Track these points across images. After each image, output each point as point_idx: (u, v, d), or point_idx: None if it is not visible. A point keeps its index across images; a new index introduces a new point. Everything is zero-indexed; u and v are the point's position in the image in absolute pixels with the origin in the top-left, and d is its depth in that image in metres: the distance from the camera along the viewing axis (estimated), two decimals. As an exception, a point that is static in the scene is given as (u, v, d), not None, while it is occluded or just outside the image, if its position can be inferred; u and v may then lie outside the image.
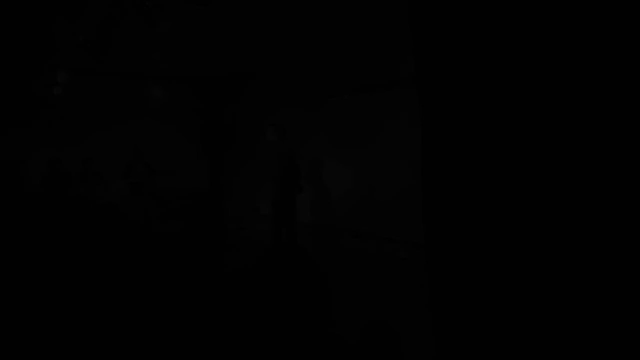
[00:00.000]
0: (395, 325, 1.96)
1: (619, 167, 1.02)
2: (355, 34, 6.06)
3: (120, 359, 1.90)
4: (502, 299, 1.26)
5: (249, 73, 8.62)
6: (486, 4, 1.21)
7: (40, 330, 2.29)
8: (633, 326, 1.02)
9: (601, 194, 1.05)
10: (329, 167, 7.37)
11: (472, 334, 1.36)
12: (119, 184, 8.59)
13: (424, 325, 3.68)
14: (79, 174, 7.92)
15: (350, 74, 6.72)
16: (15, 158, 7.27)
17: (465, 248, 1.35)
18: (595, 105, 1.05)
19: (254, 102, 8.66)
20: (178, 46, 6.19)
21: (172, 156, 9.59)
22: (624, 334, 1.04)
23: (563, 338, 1.14)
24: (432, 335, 1.39)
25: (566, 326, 1.13)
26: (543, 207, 1.15)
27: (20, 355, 2.00)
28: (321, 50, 6.92)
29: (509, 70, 1.20)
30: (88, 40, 4.22)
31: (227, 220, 6.25)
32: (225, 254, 5.16)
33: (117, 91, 8.03)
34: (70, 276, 2.46)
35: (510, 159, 1.21)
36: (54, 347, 2.13)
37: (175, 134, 9.74)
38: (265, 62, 7.71)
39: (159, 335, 1.69)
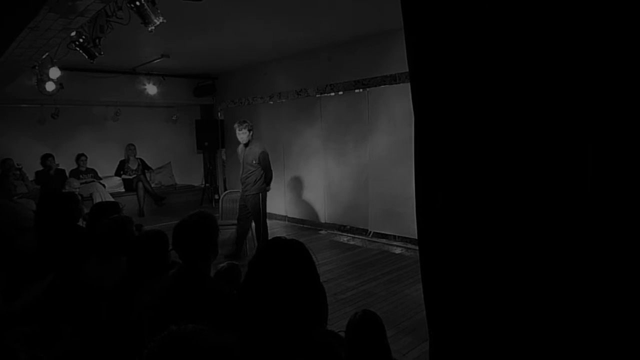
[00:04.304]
0: (385, 315, 2.00)
1: (611, 165, 1.04)
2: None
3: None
4: (494, 293, 1.28)
5: (240, 69, 8.59)
6: (476, 4, 1.22)
7: None
8: (614, 320, 1.04)
9: (590, 193, 1.06)
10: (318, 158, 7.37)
11: (465, 327, 1.37)
12: (113, 181, 8.56)
13: (411, 315, 3.73)
14: (72, 170, 7.88)
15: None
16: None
17: (457, 244, 1.36)
18: (585, 102, 1.06)
19: (245, 97, 8.63)
20: (171, 43, 6.15)
21: (166, 152, 9.56)
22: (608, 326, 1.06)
23: (550, 329, 1.16)
24: (423, 326, 1.41)
25: (554, 318, 1.15)
26: (532, 204, 1.16)
27: None
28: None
29: (502, 68, 1.21)
30: (81, 36, 4.19)
31: (222, 215, 6.24)
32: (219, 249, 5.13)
33: (110, 87, 7.98)
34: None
35: (501, 156, 1.22)
36: None
37: (169, 130, 9.71)
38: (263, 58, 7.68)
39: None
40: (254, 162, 5.40)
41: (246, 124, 5.37)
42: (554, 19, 1.09)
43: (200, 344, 0.91)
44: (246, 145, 5.44)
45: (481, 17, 1.23)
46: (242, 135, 5.36)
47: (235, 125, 5.39)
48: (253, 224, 5.67)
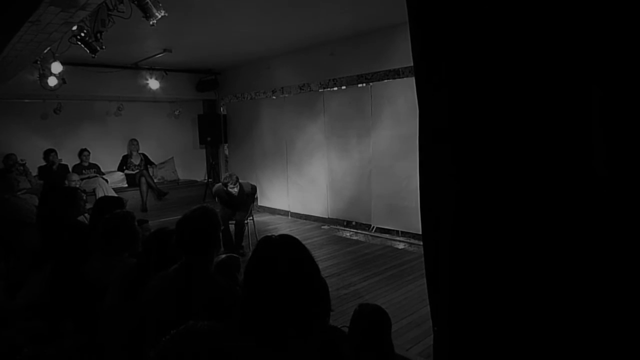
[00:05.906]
0: (388, 310, 1.99)
1: (621, 166, 1.02)
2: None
3: None
4: (499, 288, 1.27)
5: (242, 64, 8.57)
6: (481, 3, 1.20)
7: None
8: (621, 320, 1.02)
9: (598, 191, 1.05)
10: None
11: (469, 322, 1.36)
12: (116, 176, 8.57)
13: (414, 310, 3.73)
14: (75, 166, 7.89)
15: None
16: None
17: (462, 239, 1.35)
18: (589, 99, 1.05)
19: (248, 92, 8.62)
20: (173, 37, 6.13)
21: (169, 147, 9.56)
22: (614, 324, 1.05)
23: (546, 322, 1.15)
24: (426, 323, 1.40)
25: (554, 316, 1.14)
26: (536, 200, 1.15)
27: None
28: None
29: (509, 62, 1.19)
30: (82, 30, 4.17)
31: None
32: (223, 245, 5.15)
33: (112, 82, 7.97)
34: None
35: (507, 151, 1.20)
36: None
37: (172, 125, 9.71)
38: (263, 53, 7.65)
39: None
40: (250, 190, 6.00)
41: (236, 177, 5.79)
42: (562, 11, 1.07)
43: (216, 340, 0.91)
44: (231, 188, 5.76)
45: (487, 9, 1.21)
46: (235, 187, 5.73)
47: (227, 182, 5.70)
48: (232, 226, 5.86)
